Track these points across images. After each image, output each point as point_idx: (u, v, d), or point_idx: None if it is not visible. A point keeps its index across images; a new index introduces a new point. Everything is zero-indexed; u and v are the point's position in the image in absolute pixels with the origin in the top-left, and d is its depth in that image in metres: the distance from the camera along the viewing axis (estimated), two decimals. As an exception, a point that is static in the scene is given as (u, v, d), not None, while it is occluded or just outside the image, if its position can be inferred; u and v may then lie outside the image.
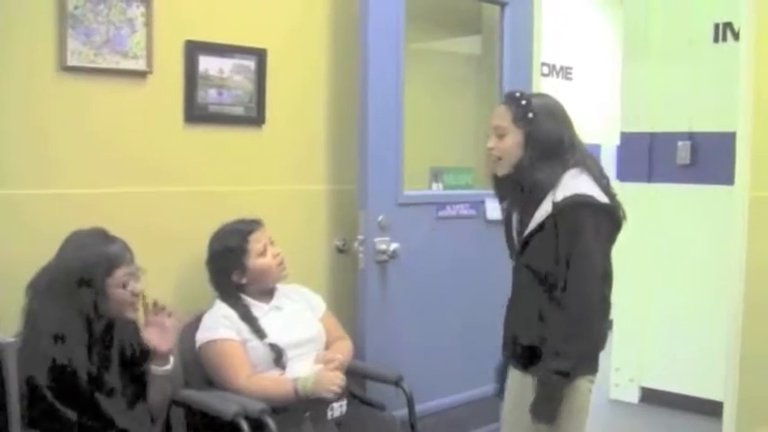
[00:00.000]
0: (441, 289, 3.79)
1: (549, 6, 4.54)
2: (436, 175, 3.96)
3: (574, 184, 2.57)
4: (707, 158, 4.93)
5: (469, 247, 3.91)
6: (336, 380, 2.93)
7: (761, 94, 3.65)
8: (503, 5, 4.07)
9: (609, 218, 2.59)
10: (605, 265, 2.59)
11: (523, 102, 2.64)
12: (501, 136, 2.66)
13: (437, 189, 3.96)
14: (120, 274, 2.61)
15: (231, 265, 3.09)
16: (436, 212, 3.80)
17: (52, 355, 2.47)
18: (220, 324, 3.00)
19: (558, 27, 4.71)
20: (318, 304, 3.31)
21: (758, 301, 3.67)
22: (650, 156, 5.18)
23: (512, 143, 2.63)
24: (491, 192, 3.94)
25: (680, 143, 5.04)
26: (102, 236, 2.64)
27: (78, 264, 2.56)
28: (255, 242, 3.10)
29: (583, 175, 2.60)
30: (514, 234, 2.74)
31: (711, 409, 4.40)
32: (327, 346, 3.20)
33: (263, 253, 3.11)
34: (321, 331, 3.20)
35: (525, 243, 2.65)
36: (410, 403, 3.23)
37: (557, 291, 2.55)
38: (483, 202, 3.95)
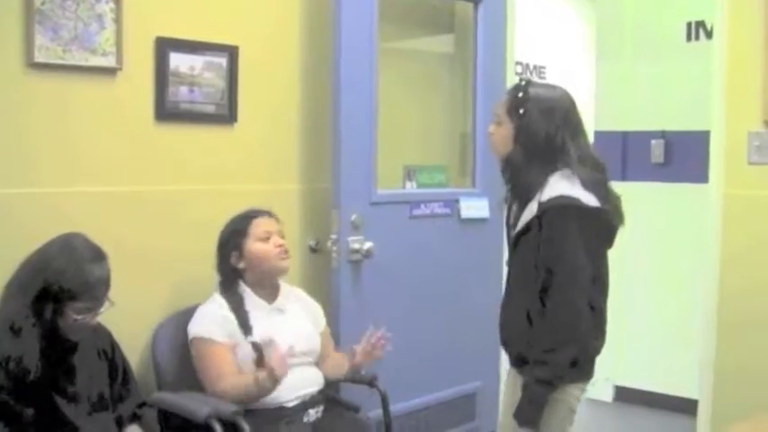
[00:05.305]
0: (415, 288, 3.76)
1: (522, 5, 4.54)
2: (410, 173, 3.93)
3: (559, 185, 2.48)
4: (680, 157, 4.97)
5: (444, 246, 3.89)
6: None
7: (733, 92, 3.67)
8: (476, 3, 4.06)
9: (595, 221, 2.49)
10: (593, 270, 2.49)
11: (520, 94, 2.57)
12: (498, 123, 2.62)
13: (411, 188, 3.93)
14: (80, 305, 2.49)
15: (231, 247, 3.05)
16: (410, 211, 3.77)
17: (5, 346, 2.41)
18: (216, 324, 2.93)
19: (532, 26, 4.71)
20: (321, 319, 3.26)
21: (732, 299, 3.68)
22: (624, 155, 5.21)
23: (505, 133, 2.59)
24: (465, 190, 4.00)
25: (653, 142, 5.07)
26: (95, 256, 2.53)
27: (55, 268, 2.46)
28: (257, 226, 3.06)
29: (571, 177, 2.50)
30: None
31: (686, 407, 4.42)
32: (322, 360, 3.17)
33: (264, 239, 3.05)
34: (318, 346, 3.15)
35: (515, 243, 2.59)
36: (385, 404, 3.21)
37: (541, 294, 2.49)
38: (457, 201, 3.93)
